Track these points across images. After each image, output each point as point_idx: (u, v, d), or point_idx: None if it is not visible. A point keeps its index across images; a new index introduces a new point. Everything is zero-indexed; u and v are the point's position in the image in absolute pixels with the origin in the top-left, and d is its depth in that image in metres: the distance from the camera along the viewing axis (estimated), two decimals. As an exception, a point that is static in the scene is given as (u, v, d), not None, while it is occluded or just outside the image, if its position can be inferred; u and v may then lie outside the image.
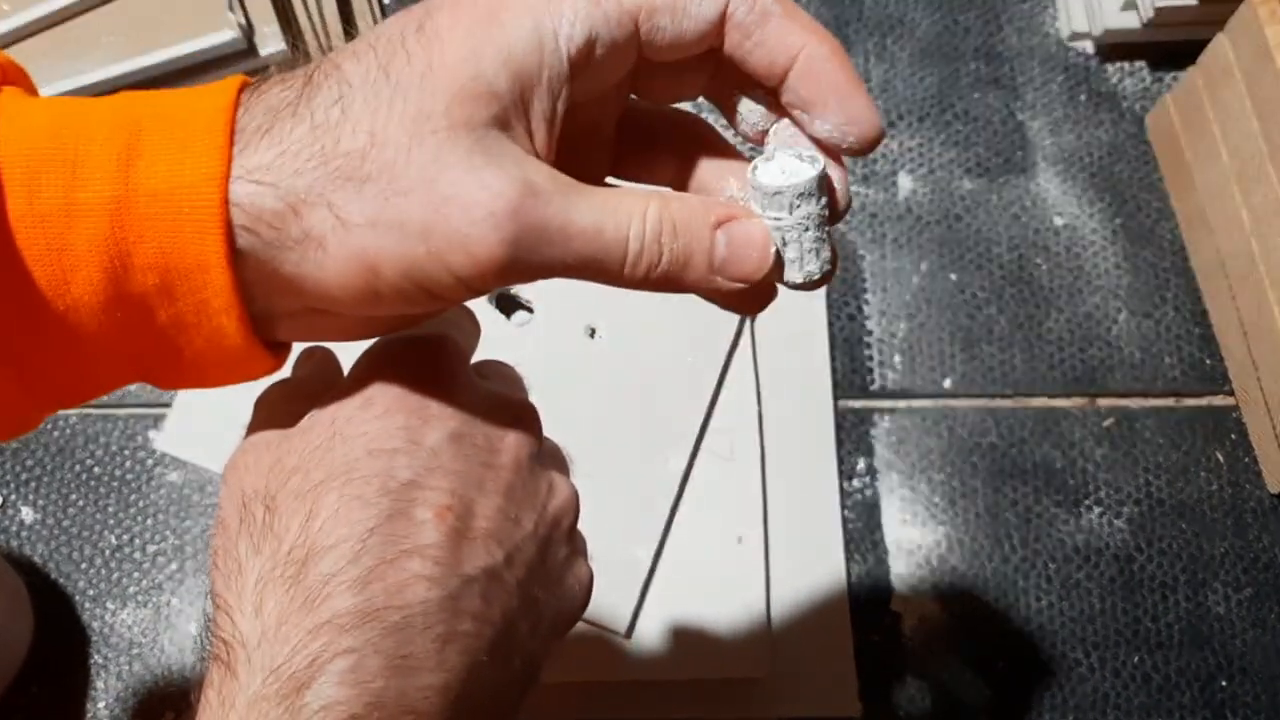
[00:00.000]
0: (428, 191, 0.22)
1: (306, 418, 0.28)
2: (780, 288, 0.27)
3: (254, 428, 0.29)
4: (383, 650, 0.24)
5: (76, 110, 0.23)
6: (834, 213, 0.26)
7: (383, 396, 0.27)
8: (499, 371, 0.32)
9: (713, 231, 0.25)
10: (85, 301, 0.23)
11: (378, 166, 0.22)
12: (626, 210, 0.24)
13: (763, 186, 0.25)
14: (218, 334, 0.24)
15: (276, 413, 0.29)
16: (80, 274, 0.23)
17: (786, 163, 0.25)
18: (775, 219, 0.25)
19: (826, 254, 0.26)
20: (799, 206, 0.25)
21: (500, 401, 0.29)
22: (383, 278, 0.23)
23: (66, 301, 0.23)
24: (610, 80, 0.25)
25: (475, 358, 0.32)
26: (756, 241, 0.25)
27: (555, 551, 0.29)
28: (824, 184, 0.25)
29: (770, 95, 0.26)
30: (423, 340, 0.29)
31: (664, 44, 0.24)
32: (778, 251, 0.25)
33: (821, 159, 0.25)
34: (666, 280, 0.25)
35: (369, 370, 0.28)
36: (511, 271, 0.23)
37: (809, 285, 0.26)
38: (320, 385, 0.29)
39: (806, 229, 0.25)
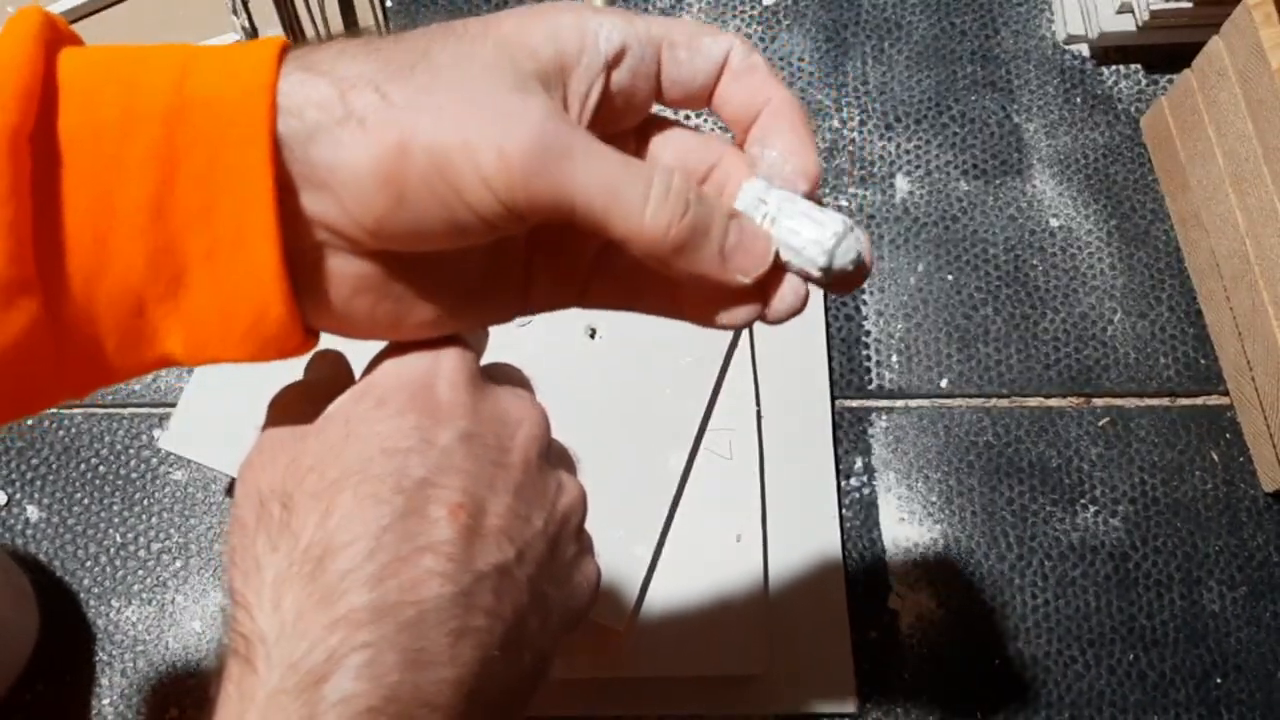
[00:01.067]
0: (470, 91, 0.24)
1: (321, 418, 0.28)
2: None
3: (268, 428, 0.29)
4: (398, 645, 0.25)
5: (134, 49, 0.24)
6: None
7: (396, 396, 0.28)
8: (508, 374, 0.33)
9: (727, 216, 0.26)
10: (126, 223, 0.23)
11: (428, 70, 0.24)
12: (651, 166, 0.25)
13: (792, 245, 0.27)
14: (252, 268, 0.24)
15: (290, 413, 0.29)
16: (129, 190, 0.23)
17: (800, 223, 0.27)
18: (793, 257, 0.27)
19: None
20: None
21: (510, 402, 0.30)
22: (411, 160, 0.24)
23: (108, 224, 0.23)
24: (631, 98, 0.27)
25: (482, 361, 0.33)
26: (762, 236, 0.27)
27: (564, 549, 0.30)
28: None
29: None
30: (434, 341, 0.29)
31: (678, 76, 0.27)
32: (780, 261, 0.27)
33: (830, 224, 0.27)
34: (682, 248, 0.25)
35: (381, 371, 0.29)
36: (536, 183, 0.24)
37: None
38: (333, 387, 0.30)
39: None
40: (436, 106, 0.24)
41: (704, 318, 0.30)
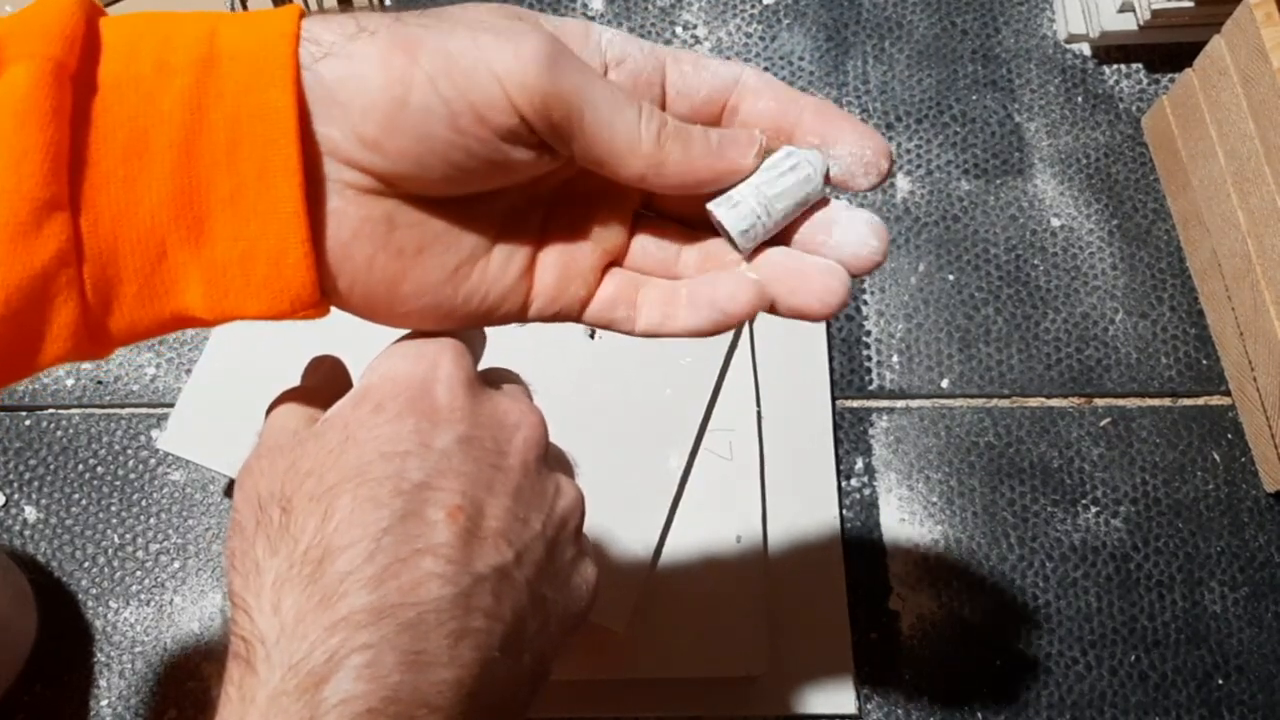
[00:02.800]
0: (482, 20, 0.26)
1: (320, 422, 0.28)
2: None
3: (267, 433, 0.29)
4: (398, 646, 0.25)
5: (168, 14, 0.26)
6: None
7: (393, 401, 0.28)
8: (505, 378, 0.33)
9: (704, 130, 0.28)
10: (156, 164, 0.24)
11: (442, 12, 0.26)
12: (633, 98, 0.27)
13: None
14: (273, 205, 0.25)
15: (289, 419, 0.30)
16: (160, 132, 0.24)
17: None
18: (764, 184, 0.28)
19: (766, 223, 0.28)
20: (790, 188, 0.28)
21: (507, 405, 0.30)
22: (419, 59, 0.25)
23: (139, 165, 0.24)
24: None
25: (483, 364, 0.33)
26: (745, 133, 0.28)
27: (563, 552, 0.30)
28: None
29: None
30: (432, 345, 0.29)
31: (683, 87, 0.28)
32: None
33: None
34: (677, 154, 0.26)
35: (379, 375, 0.29)
36: (551, 82, 0.25)
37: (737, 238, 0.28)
38: (331, 392, 0.30)
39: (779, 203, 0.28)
40: (450, 20, 0.26)
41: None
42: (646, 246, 0.30)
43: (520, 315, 0.30)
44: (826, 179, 0.28)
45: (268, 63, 0.25)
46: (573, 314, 0.30)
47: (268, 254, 0.26)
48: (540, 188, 0.30)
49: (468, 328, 0.30)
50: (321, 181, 0.26)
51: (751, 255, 0.29)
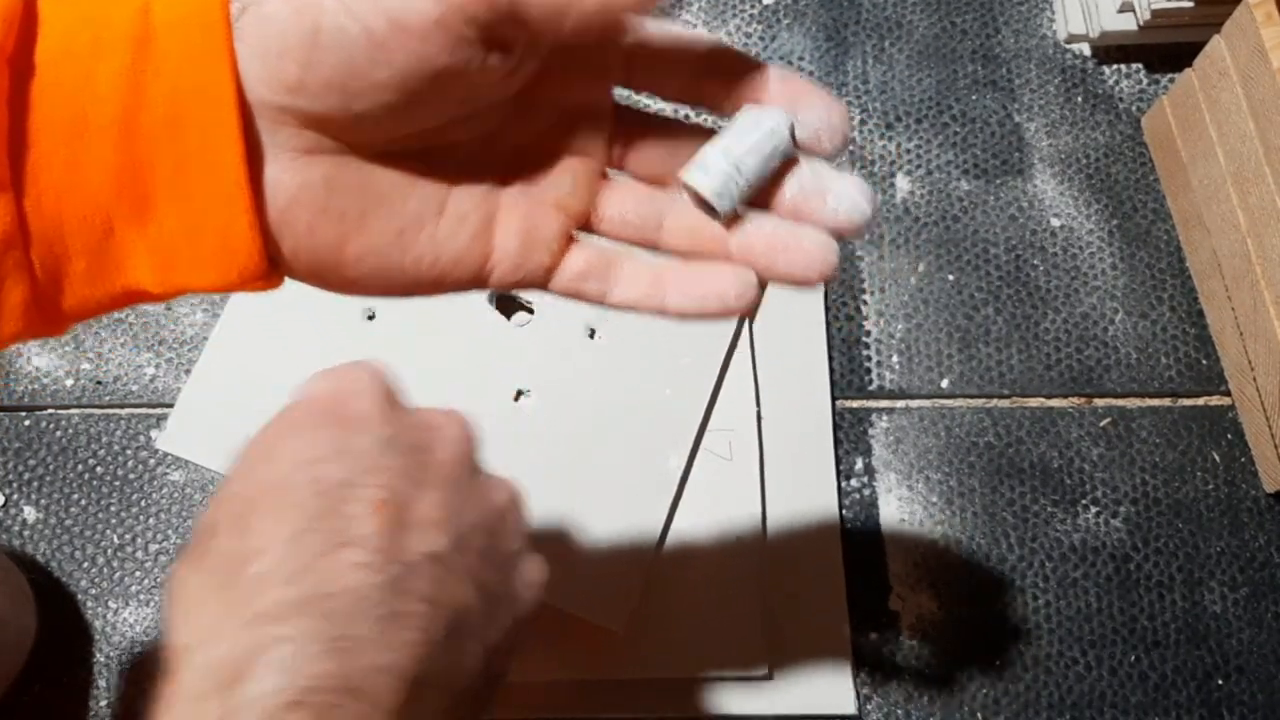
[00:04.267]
0: None
1: (242, 451, 0.28)
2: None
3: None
4: (320, 636, 0.24)
5: None
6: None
7: (309, 417, 0.28)
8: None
9: None
10: (97, 141, 0.24)
11: None
12: None
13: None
14: (217, 178, 0.25)
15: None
16: (100, 109, 0.24)
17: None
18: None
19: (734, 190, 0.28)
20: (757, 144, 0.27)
21: (429, 412, 0.30)
22: None
23: (80, 143, 0.24)
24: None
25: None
26: None
27: (505, 543, 0.30)
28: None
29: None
30: (348, 366, 0.29)
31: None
32: None
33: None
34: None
35: (295, 398, 0.29)
36: None
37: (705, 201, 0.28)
38: None
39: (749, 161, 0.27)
40: None
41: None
42: (623, 212, 0.29)
43: (478, 282, 0.29)
44: (793, 136, 0.27)
45: (202, 34, 0.24)
46: (537, 281, 0.29)
47: (214, 227, 0.25)
48: (495, 146, 0.28)
49: (423, 294, 0.29)
50: (259, 149, 0.25)
51: (732, 220, 0.28)
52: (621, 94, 0.29)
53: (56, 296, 0.26)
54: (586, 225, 0.29)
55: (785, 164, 0.28)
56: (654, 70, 0.28)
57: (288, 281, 0.28)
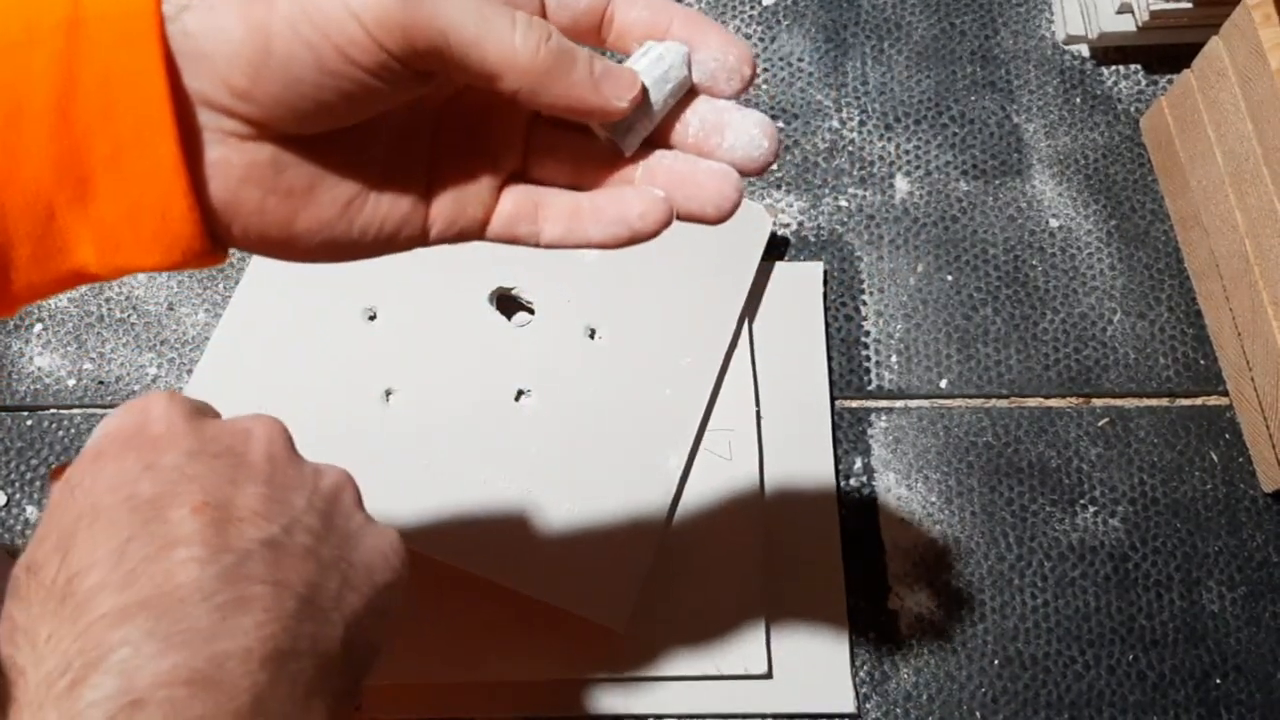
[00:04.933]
0: None
1: (51, 493, 0.28)
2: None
3: None
4: (157, 634, 0.24)
5: None
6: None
7: (111, 446, 0.28)
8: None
9: (588, 54, 0.28)
10: (33, 129, 0.25)
11: None
12: (510, 6, 0.26)
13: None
14: (152, 162, 0.25)
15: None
16: (34, 97, 0.24)
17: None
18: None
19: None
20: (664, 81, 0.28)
21: (234, 420, 0.30)
22: (276, 10, 0.24)
23: (16, 132, 0.24)
24: None
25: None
26: (627, 69, 0.28)
27: (343, 520, 0.30)
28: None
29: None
30: (142, 398, 0.30)
31: None
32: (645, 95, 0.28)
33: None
34: (554, 69, 0.26)
35: (96, 435, 0.29)
36: (408, 11, 0.24)
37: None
38: None
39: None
40: None
41: (609, 225, 0.30)
42: (543, 158, 0.30)
43: (421, 240, 0.30)
44: (689, 67, 0.28)
45: (133, 21, 0.25)
46: (473, 233, 0.30)
47: (152, 209, 0.26)
48: (425, 110, 0.30)
49: (367, 257, 0.30)
50: (199, 132, 0.26)
51: (636, 155, 0.29)
52: None
53: (3, 282, 0.26)
54: (515, 175, 0.30)
55: (686, 98, 0.29)
56: (565, 14, 0.29)
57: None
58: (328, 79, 0.25)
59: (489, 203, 0.30)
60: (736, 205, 0.29)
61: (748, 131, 0.29)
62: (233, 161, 0.26)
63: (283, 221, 0.28)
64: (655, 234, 0.29)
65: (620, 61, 0.29)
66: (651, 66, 0.28)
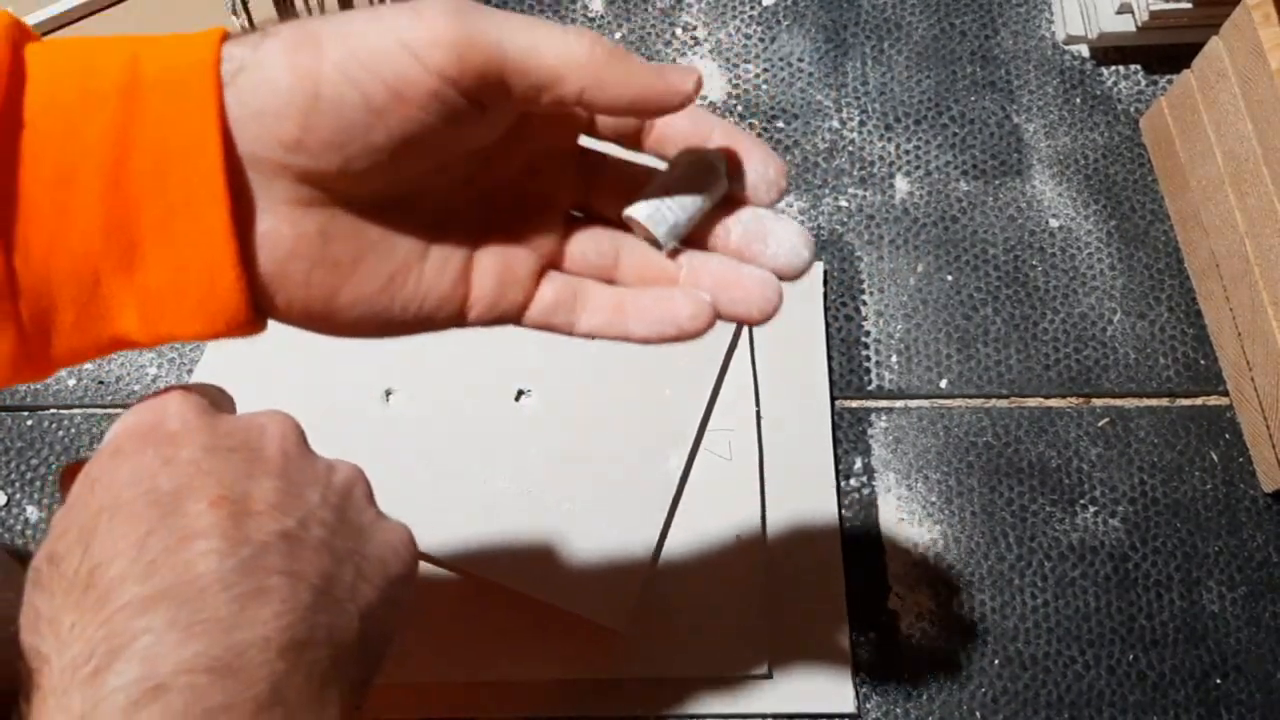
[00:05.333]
0: (385, 4, 0.26)
1: (71, 490, 0.28)
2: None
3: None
4: (179, 622, 0.24)
5: (93, 39, 0.26)
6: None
7: (129, 442, 0.28)
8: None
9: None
10: (84, 194, 0.25)
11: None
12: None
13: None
14: (203, 232, 0.25)
15: (67, 489, 0.30)
16: (87, 162, 0.24)
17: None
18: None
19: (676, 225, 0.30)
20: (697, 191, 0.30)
21: (248, 416, 0.30)
22: (324, 49, 0.25)
23: (67, 195, 0.24)
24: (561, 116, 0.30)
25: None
26: (681, 65, 0.28)
27: (356, 514, 0.30)
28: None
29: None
30: (159, 394, 0.30)
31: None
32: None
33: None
34: (612, 62, 0.26)
35: (113, 431, 0.29)
36: (461, 33, 0.25)
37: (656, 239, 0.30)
38: None
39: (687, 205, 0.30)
40: (351, 14, 0.26)
41: (649, 321, 0.30)
42: (584, 250, 0.31)
43: (458, 321, 0.31)
44: (728, 176, 0.29)
45: (191, 86, 0.25)
46: (511, 318, 0.31)
47: (199, 278, 0.26)
48: (473, 193, 0.30)
49: (404, 334, 0.31)
50: (252, 201, 0.26)
51: (675, 253, 0.30)
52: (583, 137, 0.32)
53: (44, 346, 0.26)
54: (554, 263, 0.31)
55: (724, 201, 0.30)
56: (614, 119, 0.30)
57: None
58: (377, 119, 0.25)
59: (529, 289, 0.31)
60: (778, 309, 0.30)
61: (790, 240, 0.30)
62: (282, 232, 0.27)
63: (326, 294, 0.28)
64: (700, 335, 0.30)
65: (661, 166, 0.30)
66: (690, 169, 0.29)
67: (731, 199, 0.30)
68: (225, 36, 0.26)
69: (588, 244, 0.31)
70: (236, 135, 0.25)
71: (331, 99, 0.25)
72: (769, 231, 0.30)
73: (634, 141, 0.30)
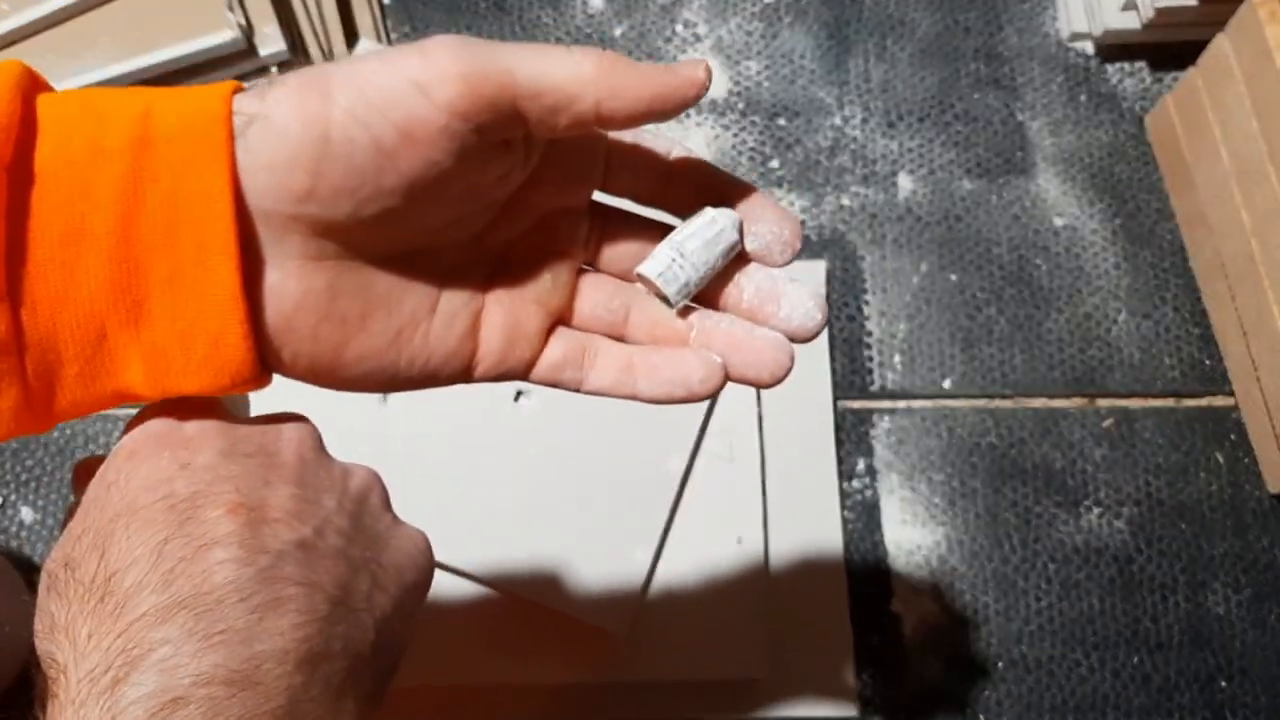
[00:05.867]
0: (392, 47, 0.26)
1: (87, 490, 0.28)
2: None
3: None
4: (197, 633, 0.24)
5: (104, 90, 0.26)
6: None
7: (145, 444, 0.28)
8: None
9: None
10: (93, 249, 0.24)
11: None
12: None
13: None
14: (211, 287, 0.25)
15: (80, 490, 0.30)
16: (97, 217, 0.24)
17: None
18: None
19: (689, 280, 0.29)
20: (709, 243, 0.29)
21: (263, 417, 0.30)
22: (333, 94, 0.25)
23: (76, 250, 0.24)
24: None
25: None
26: (688, 61, 0.28)
27: (373, 521, 0.30)
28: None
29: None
30: (173, 400, 0.30)
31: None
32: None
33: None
34: (620, 70, 0.26)
35: (129, 433, 0.29)
36: (470, 67, 0.25)
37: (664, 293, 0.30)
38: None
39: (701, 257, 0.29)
40: (359, 60, 0.26)
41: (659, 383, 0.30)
42: (595, 306, 0.31)
43: (465, 377, 0.31)
44: (740, 233, 0.29)
45: (202, 141, 0.25)
46: (518, 374, 0.31)
47: (206, 335, 0.26)
48: (482, 249, 0.30)
49: (410, 389, 0.30)
50: (261, 256, 0.26)
51: (686, 311, 0.30)
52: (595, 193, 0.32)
53: (48, 400, 0.26)
54: (563, 319, 0.31)
55: (736, 260, 0.30)
56: (628, 176, 0.30)
57: None
58: (388, 161, 0.25)
59: (537, 346, 0.31)
60: (789, 372, 0.30)
61: (803, 304, 0.30)
62: (289, 287, 0.27)
63: (333, 349, 0.28)
64: (709, 397, 0.30)
65: (676, 224, 0.30)
66: (704, 228, 0.29)
67: (744, 258, 0.30)
68: (237, 89, 0.26)
69: (599, 299, 0.31)
70: (247, 189, 0.25)
71: (341, 143, 0.25)
72: (782, 293, 0.30)
73: (648, 199, 0.30)
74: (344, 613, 0.27)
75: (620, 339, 0.31)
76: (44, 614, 0.26)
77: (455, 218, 0.28)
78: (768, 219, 0.30)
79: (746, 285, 0.30)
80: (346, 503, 0.29)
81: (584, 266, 0.31)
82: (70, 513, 0.28)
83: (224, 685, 0.24)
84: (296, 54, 0.67)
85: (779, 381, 0.30)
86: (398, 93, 0.25)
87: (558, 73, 0.26)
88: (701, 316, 0.30)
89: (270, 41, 0.65)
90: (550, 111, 0.26)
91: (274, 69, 0.66)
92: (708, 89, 0.27)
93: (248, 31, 0.64)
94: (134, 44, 0.63)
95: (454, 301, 0.30)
